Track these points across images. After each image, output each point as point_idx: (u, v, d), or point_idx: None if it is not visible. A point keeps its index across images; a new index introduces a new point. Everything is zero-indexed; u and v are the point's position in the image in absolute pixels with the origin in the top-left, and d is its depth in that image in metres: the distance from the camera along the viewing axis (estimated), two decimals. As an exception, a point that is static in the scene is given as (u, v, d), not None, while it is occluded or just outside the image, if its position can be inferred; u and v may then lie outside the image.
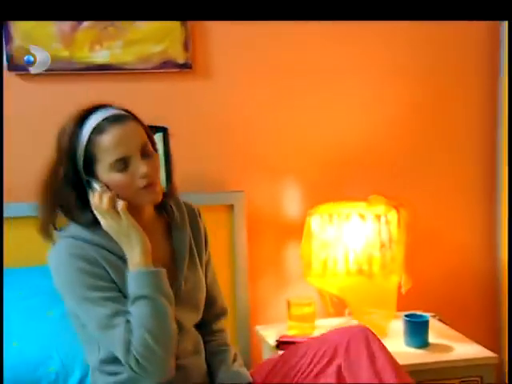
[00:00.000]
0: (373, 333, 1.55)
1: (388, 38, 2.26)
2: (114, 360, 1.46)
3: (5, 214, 1.86)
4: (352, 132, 2.28)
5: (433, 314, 2.14)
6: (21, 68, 2.04)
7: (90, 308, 1.41)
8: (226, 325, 1.72)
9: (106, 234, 1.46)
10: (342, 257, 2.00)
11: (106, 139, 1.41)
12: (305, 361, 1.54)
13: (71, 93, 2.10)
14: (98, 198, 1.42)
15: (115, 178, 1.42)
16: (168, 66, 2.14)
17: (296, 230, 2.17)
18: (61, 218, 1.51)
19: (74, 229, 1.48)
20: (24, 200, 1.95)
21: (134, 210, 1.47)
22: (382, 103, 2.31)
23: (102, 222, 1.44)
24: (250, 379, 1.58)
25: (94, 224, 1.46)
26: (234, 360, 1.62)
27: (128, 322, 1.40)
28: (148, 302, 1.40)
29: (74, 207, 1.46)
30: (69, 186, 1.44)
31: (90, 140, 1.41)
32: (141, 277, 1.42)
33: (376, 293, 1.99)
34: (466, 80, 2.35)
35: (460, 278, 2.40)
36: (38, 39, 2.03)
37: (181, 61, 2.15)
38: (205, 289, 1.60)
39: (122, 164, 1.41)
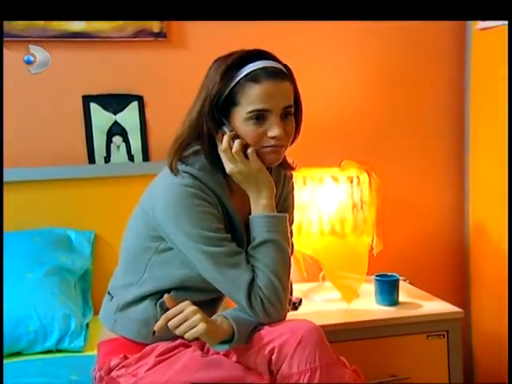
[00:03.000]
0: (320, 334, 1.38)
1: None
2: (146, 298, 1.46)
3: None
4: (326, 100, 2.32)
5: (403, 278, 2.20)
6: None
7: (206, 247, 1.39)
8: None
9: (217, 181, 1.45)
10: (316, 219, 2.05)
11: (256, 89, 1.39)
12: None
13: (46, 60, 2.11)
14: (227, 141, 1.41)
15: (247, 127, 1.41)
16: (143, 35, 2.17)
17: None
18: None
19: (196, 166, 1.44)
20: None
21: None
22: (354, 72, 2.37)
23: (230, 166, 1.42)
24: None
25: (211, 167, 1.44)
26: None
27: (248, 262, 1.40)
28: (277, 247, 1.41)
29: (207, 140, 1.43)
30: (209, 120, 1.42)
31: (239, 83, 1.40)
32: (271, 220, 1.42)
33: (348, 254, 2.04)
34: (435, 53, 2.41)
35: (429, 243, 2.47)
36: (13, 6, 2.04)
37: (156, 30, 2.17)
38: None
39: (260, 116, 1.40)
